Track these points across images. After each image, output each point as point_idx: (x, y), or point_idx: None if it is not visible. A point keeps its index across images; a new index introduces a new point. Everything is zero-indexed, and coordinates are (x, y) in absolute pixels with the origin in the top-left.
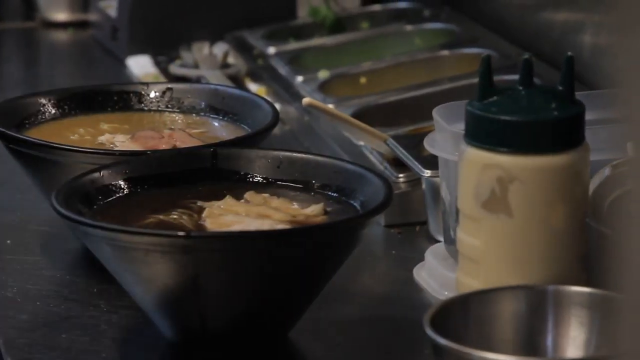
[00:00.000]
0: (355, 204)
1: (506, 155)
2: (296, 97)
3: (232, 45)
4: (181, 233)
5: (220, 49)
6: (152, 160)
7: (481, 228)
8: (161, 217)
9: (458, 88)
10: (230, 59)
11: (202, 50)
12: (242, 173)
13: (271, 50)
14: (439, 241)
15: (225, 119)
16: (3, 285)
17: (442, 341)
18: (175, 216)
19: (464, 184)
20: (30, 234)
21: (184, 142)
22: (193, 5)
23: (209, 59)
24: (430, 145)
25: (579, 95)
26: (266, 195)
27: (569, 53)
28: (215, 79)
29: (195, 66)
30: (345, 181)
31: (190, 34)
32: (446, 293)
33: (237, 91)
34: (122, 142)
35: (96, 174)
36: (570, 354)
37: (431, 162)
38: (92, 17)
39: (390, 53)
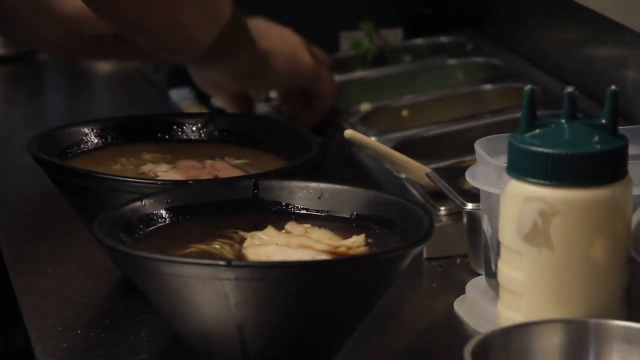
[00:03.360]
0: (396, 235)
1: (548, 188)
2: (338, 129)
3: None
4: (222, 262)
5: None
6: (194, 190)
7: (523, 261)
8: (202, 246)
9: (500, 122)
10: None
11: None
12: (283, 204)
13: None
14: (479, 274)
15: (267, 149)
16: (44, 314)
17: None
18: (216, 246)
19: (506, 216)
20: (71, 263)
21: (225, 172)
22: None
23: None
24: (472, 177)
25: (622, 129)
26: (307, 226)
27: (613, 87)
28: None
29: None
30: (386, 213)
31: None
32: (487, 326)
33: (279, 121)
34: (164, 172)
35: (138, 203)
36: None
37: (473, 195)
38: None
39: (433, 86)
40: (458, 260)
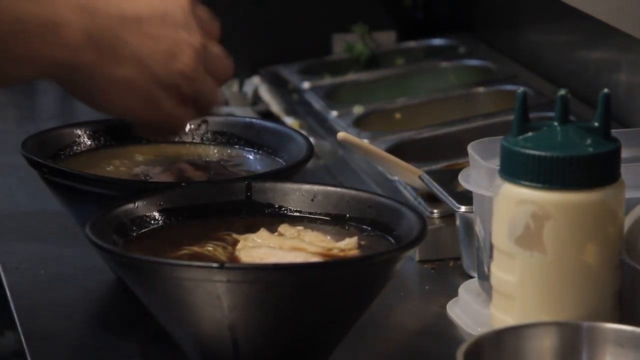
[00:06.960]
0: (389, 238)
1: (541, 191)
2: (331, 131)
3: (267, 79)
4: (215, 265)
5: (249, 86)
6: (187, 192)
7: (515, 264)
8: (195, 248)
9: (493, 124)
10: (264, 94)
11: (232, 87)
12: (276, 206)
13: (306, 85)
14: (472, 277)
15: (260, 152)
16: (36, 316)
17: None
18: (209, 248)
19: (499, 219)
20: (64, 265)
21: (218, 174)
22: (228, 40)
23: (238, 97)
24: (465, 180)
25: (614, 132)
26: (300, 228)
27: (605, 90)
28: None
29: (225, 103)
30: (379, 215)
31: None
32: (480, 329)
33: (272, 124)
34: (156, 174)
35: (131, 205)
36: None
37: (465, 197)
38: None
39: (425, 89)
40: (451, 263)
